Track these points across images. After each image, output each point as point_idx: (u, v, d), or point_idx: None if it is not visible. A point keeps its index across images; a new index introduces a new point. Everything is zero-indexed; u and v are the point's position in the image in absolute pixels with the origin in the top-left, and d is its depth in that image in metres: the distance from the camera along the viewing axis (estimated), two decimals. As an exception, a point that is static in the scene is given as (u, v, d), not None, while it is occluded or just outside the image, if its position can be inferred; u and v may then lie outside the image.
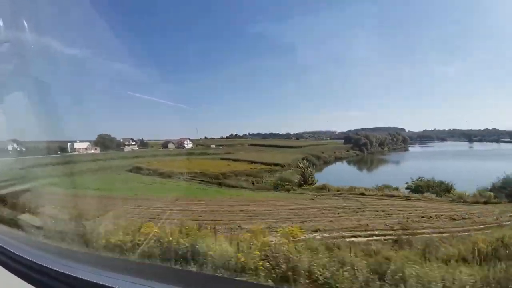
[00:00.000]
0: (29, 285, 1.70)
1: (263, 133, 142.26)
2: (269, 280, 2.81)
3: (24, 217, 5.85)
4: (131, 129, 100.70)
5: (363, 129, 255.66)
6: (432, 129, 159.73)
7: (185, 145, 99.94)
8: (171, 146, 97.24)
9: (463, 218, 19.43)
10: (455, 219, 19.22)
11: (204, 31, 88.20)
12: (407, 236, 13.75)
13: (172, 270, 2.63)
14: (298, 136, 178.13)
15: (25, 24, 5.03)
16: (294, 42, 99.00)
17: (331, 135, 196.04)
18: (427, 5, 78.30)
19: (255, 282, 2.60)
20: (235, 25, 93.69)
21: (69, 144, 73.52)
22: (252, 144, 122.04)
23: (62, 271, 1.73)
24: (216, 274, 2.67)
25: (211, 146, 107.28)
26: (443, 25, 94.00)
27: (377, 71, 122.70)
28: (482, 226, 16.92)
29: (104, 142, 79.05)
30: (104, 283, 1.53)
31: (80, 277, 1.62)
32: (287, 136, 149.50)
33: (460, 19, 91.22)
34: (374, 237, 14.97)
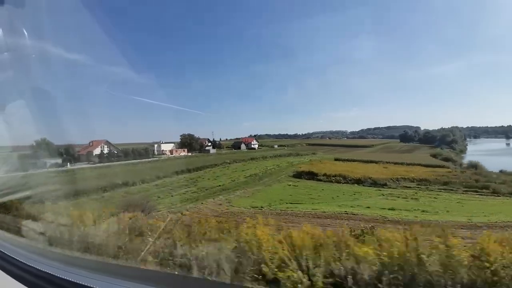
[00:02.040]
0: None
1: (271, 134, 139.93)
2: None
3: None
4: (132, 132, 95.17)
5: (376, 128, 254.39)
6: (450, 126, 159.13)
7: (252, 145, 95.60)
8: (242, 146, 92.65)
9: None
10: None
11: (206, 36, 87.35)
12: None
13: (172, 275, 2.43)
14: (308, 136, 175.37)
15: (25, 32, 5.07)
16: (295, 45, 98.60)
17: (342, 135, 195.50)
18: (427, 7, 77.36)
19: (250, 286, 2.28)
20: (236, 29, 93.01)
21: (155, 145, 67.84)
22: (309, 144, 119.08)
23: (64, 277, 1.73)
24: (215, 279, 2.34)
25: (274, 146, 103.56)
26: (446, 24, 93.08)
27: (383, 71, 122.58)
28: None
29: (191, 143, 73.53)
30: None
31: (80, 282, 1.63)
32: (295, 136, 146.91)
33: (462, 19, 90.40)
34: None
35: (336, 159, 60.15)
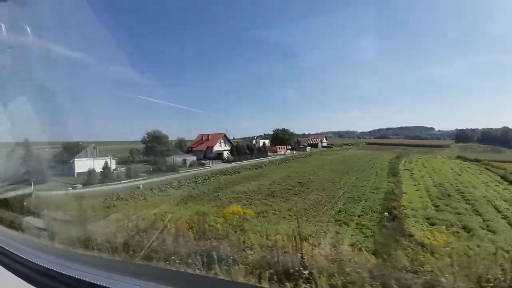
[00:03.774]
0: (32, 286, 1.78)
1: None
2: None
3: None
4: (132, 130, 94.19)
5: (389, 129, 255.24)
6: (464, 128, 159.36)
7: (323, 144, 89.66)
8: (319, 145, 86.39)
9: None
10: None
11: (207, 35, 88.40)
12: None
13: (174, 272, 2.45)
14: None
15: (28, 29, 5.11)
16: (297, 45, 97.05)
17: (351, 135, 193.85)
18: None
19: (255, 284, 2.32)
20: (237, 29, 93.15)
21: (253, 141, 60.24)
22: (368, 143, 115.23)
23: (65, 272, 1.78)
24: (216, 276, 2.42)
25: (341, 145, 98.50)
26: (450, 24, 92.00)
27: (387, 72, 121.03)
28: None
29: (289, 139, 66.30)
30: (105, 284, 1.56)
31: (82, 278, 1.67)
32: (305, 136, 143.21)
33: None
34: None
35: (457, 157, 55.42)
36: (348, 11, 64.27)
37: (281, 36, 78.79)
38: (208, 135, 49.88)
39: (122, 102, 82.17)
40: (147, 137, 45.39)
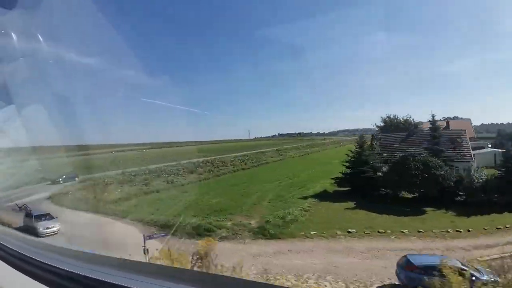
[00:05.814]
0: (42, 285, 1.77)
1: (290, 132, 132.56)
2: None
3: None
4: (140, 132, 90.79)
5: None
6: (479, 124, 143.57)
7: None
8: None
9: None
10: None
11: (215, 35, 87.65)
12: None
13: (181, 270, 2.46)
14: (334, 134, 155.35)
15: (40, 37, 5.42)
16: (308, 44, 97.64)
17: (365, 132, 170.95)
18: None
19: (261, 282, 2.43)
20: (247, 29, 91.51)
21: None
22: None
23: (72, 270, 1.78)
24: (220, 274, 2.65)
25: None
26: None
27: (399, 69, 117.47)
28: None
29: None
30: (108, 281, 1.58)
31: (90, 276, 1.65)
32: (318, 134, 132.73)
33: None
34: None
35: None
36: (358, 8, 63.47)
37: (291, 35, 76.07)
38: (447, 121, 34.35)
39: (134, 104, 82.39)
40: (382, 127, 30.91)
